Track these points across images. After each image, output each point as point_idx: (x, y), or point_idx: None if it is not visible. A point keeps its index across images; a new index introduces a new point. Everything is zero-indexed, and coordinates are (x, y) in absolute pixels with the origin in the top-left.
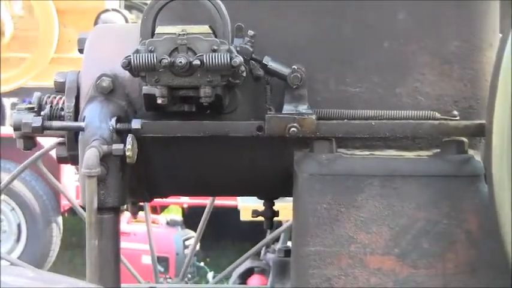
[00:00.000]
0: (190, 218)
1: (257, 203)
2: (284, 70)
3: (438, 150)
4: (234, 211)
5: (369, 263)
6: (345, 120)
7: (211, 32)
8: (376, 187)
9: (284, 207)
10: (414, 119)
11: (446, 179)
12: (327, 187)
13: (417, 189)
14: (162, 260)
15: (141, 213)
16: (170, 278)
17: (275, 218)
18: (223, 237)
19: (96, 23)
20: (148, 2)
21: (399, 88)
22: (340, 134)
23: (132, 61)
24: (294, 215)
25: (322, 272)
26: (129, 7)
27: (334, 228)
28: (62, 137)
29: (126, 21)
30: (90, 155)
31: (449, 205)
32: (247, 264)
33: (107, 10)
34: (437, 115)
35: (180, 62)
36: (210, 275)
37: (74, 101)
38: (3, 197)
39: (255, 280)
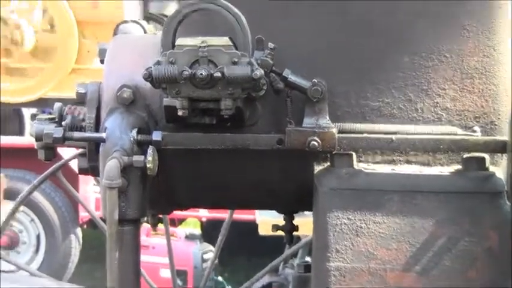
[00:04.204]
0: (209, 231)
1: (275, 217)
2: (304, 83)
3: (459, 166)
4: (252, 225)
5: (389, 279)
6: (365, 134)
7: (231, 44)
8: (396, 203)
9: (303, 221)
10: (435, 134)
11: (467, 196)
12: (347, 202)
13: (438, 205)
14: (181, 274)
15: (159, 226)
16: None
17: (295, 233)
18: (242, 251)
19: (115, 33)
20: (167, 13)
21: (420, 103)
22: (361, 148)
23: (153, 73)
24: (314, 229)
25: (342, 287)
26: (147, 18)
27: (354, 243)
28: (82, 148)
29: (145, 31)
30: (111, 166)
31: (470, 222)
32: (266, 279)
33: (125, 21)
34: (459, 131)
35: (201, 74)
36: None
37: (95, 111)
38: (22, 208)
39: None
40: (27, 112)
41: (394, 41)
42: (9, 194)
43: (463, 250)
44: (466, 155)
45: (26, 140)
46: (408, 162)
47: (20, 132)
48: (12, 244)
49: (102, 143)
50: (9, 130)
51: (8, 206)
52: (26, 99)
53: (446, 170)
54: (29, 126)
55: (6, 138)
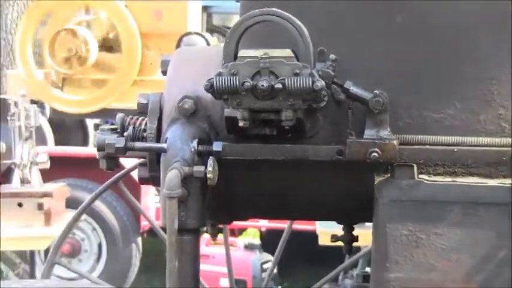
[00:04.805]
0: (268, 241)
1: (336, 228)
2: (366, 95)
3: None
4: (312, 235)
5: None
6: (427, 146)
7: (293, 55)
8: (457, 214)
9: (363, 232)
10: (497, 146)
11: None
12: (408, 213)
13: (499, 217)
14: (240, 283)
15: (219, 236)
16: None
17: (354, 243)
18: (301, 261)
19: (178, 45)
20: (230, 25)
21: (483, 114)
22: (422, 160)
23: (214, 84)
24: (374, 240)
25: None
26: (211, 30)
27: (414, 255)
28: (143, 157)
29: (208, 44)
30: (171, 176)
31: None
32: None
33: (189, 33)
34: None
35: (263, 86)
36: None
37: (156, 122)
38: (84, 216)
39: None
40: (90, 123)
41: (457, 52)
42: (72, 203)
43: None
44: None
45: (89, 150)
46: (470, 174)
47: (84, 142)
48: (74, 252)
49: (163, 153)
50: (73, 140)
51: (70, 214)
52: (90, 110)
53: (508, 182)
54: (92, 136)
55: (70, 148)
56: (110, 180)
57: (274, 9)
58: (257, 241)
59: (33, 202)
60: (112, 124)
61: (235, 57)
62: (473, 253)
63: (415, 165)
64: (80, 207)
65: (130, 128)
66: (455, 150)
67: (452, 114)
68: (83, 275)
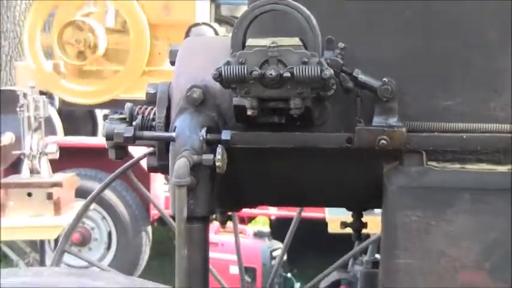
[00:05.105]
0: (278, 229)
1: (345, 215)
2: (374, 82)
3: None
4: (321, 223)
5: (459, 277)
6: (436, 133)
7: (301, 44)
8: (467, 201)
9: (372, 219)
10: (507, 132)
11: None
12: (417, 200)
13: (509, 203)
14: (250, 271)
15: (229, 224)
16: None
17: (363, 230)
18: (310, 248)
19: (186, 35)
20: (238, 15)
21: (493, 102)
22: (431, 147)
23: (223, 73)
24: (383, 227)
25: (411, 285)
26: (219, 20)
27: (423, 241)
28: (152, 147)
29: (216, 34)
30: (180, 164)
31: None
32: (335, 276)
33: (197, 23)
34: None
35: (271, 74)
36: (296, 286)
37: (165, 111)
38: (94, 206)
39: None
40: (100, 113)
41: (467, 40)
42: (81, 193)
43: None
44: None
45: (98, 140)
46: (479, 160)
47: (94, 132)
48: (84, 241)
49: (171, 142)
50: (83, 131)
51: (80, 204)
52: (99, 101)
53: None
54: (101, 127)
55: (79, 138)
56: (119, 170)
57: None
58: (266, 229)
59: (42, 192)
60: (121, 114)
61: (243, 47)
62: (482, 239)
63: (424, 152)
64: (89, 197)
65: (139, 117)
66: (464, 137)
67: (461, 101)
68: (93, 263)
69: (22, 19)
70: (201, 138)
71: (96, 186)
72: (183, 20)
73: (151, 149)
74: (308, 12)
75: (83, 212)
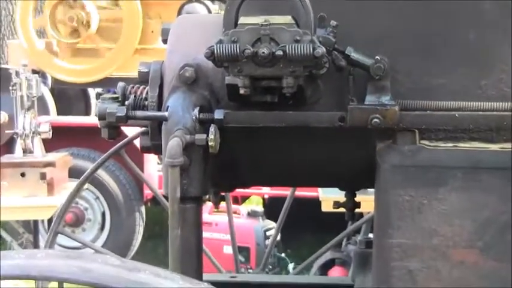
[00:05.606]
0: (271, 209)
1: (338, 195)
2: (367, 61)
3: None
4: (315, 202)
5: (452, 256)
6: (428, 111)
7: (294, 22)
8: (459, 179)
9: (365, 199)
10: (499, 110)
11: None
12: (410, 179)
13: (501, 182)
14: (243, 250)
15: (222, 204)
16: (251, 268)
17: (356, 210)
18: (304, 228)
19: (179, 13)
20: None
21: (484, 80)
22: (423, 125)
23: (215, 51)
24: (376, 206)
25: (404, 264)
26: None
27: (416, 220)
28: (145, 126)
29: (209, 12)
30: (173, 144)
31: None
32: (328, 255)
33: (190, 1)
34: None
35: (263, 53)
36: (290, 266)
37: (157, 91)
38: (87, 185)
39: (336, 271)
40: (92, 92)
41: (459, 17)
42: (74, 173)
43: None
44: None
45: (91, 119)
46: (471, 139)
47: (87, 112)
48: (78, 221)
49: (164, 122)
50: (76, 110)
51: (73, 184)
52: (92, 79)
53: (510, 146)
54: (94, 106)
55: (72, 117)
56: (112, 149)
57: None
58: (260, 208)
59: (35, 172)
60: (114, 93)
61: (236, 25)
62: (475, 218)
63: (416, 131)
64: (82, 177)
65: (132, 96)
66: (457, 115)
67: (453, 79)
68: (87, 244)
69: None
70: (193, 117)
71: (89, 166)
72: None
73: (144, 129)
74: None
75: (76, 192)
